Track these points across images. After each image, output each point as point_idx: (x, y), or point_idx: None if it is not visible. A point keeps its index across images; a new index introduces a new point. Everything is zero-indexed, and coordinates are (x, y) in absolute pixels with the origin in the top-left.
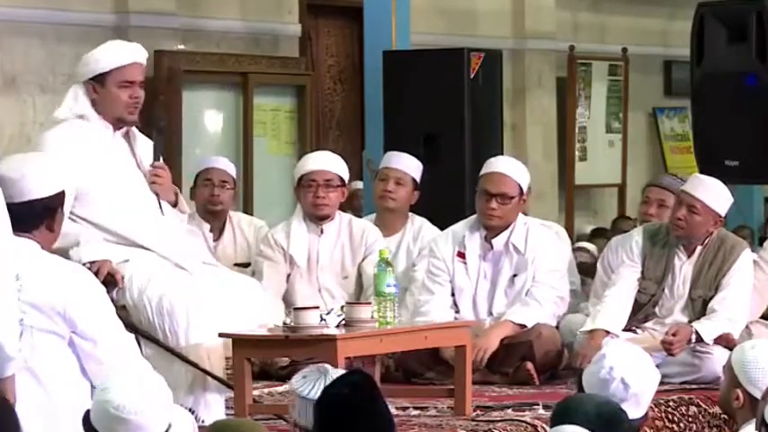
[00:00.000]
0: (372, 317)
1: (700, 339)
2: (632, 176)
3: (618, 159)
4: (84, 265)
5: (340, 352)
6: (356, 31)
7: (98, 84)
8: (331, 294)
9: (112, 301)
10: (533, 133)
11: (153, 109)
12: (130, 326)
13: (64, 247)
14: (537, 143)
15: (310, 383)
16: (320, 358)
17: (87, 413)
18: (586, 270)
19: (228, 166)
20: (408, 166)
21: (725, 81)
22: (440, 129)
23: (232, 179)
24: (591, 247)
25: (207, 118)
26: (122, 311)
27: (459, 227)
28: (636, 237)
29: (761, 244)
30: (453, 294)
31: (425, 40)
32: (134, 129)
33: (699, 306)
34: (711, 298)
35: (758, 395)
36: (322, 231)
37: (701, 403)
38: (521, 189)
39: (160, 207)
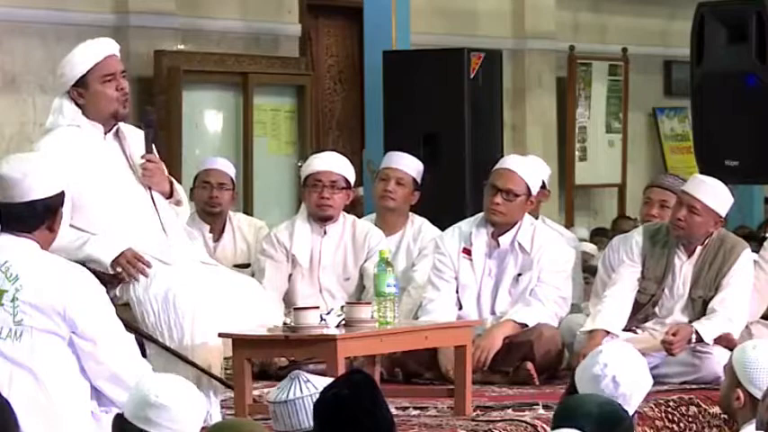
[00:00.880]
0: (372, 317)
1: (700, 339)
2: (632, 176)
3: (618, 159)
4: (111, 265)
5: (340, 352)
6: (356, 31)
7: (81, 88)
8: (332, 295)
9: (113, 299)
10: (533, 133)
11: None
12: (131, 326)
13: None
14: (537, 143)
15: (283, 390)
16: (320, 358)
17: (118, 416)
18: (587, 270)
19: (227, 167)
20: (409, 166)
21: (725, 81)
22: (440, 129)
23: (231, 180)
24: (591, 247)
25: (207, 118)
26: (125, 310)
27: (466, 223)
28: (636, 237)
29: (760, 244)
30: (457, 291)
31: (425, 40)
32: (123, 126)
33: (699, 306)
34: (711, 298)
35: (759, 395)
36: (325, 232)
37: (701, 403)
38: (528, 189)
39: (154, 205)
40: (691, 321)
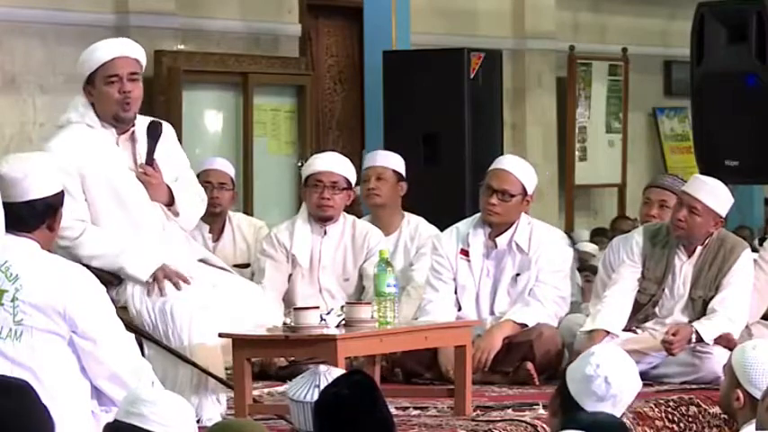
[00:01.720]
0: (372, 317)
1: (700, 339)
2: (632, 176)
3: (618, 159)
4: (146, 282)
5: (340, 352)
6: (356, 31)
7: (91, 86)
8: (332, 295)
9: (112, 301)
10: (533, 133)
11: (154, 112)
12: (131, 326)
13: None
14: (537, 143)
15: (303, 386)
16: (320, 358)
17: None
18: (587, 270)
19: (227, 167)
20: (386, 159)
21: (725, 81)
22: (440, 129)
23: (231, 180)
24: (591, 247)
25: (207, 118)
26: (123, 312)
27: (464, 224)
28: (636, 237)
29: (761, 244)
30: (456, 292)
31: (425, 40)
32: (136, 131)
33: (699, 306)
34: (711, 298)
35: (758, 395)
36: (325, 233)
37: (701, 403)
38: (524, 189)
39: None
40: (691, 321)
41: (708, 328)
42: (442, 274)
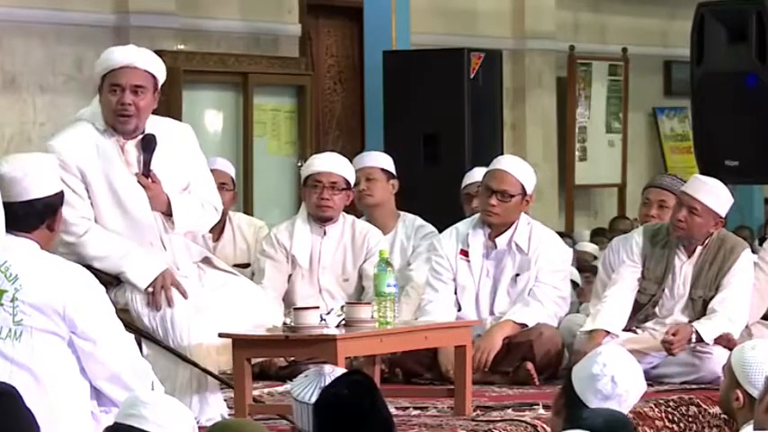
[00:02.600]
0: (372, 317)
1: (700, 339)
2: (632, 176)
3: (618, 159)
4: (146, 290)
5: (340, 352)
6: (356, 31)
7: (101, 89)
8: (331, 295)
9: (112, 301)
10: (533, 133)
11: (154, 111)
12: (131, 326)
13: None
14: (537, 143)
15: (307, 387)
16: (320, 358)
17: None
18: (588, 270)
19: (227, 168)
20: (373, 159)
21: (725, 81)
22: (440, 129)
23: (231, 180)
24: (592, 247)
25: (207, 118)
26: (123, 313)
27: (463, 225)
28: (636, 237)
29: (761, 244)
30: (456, 292)
31: (425, 40)
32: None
33: (699, 306)
34: (711, 298)
35: (758, 395)
36: (325, 233)
37: (701, 403)
38: (523, 189)
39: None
40: (691, 321)
41: (708, 328)
42: (442, 275)
